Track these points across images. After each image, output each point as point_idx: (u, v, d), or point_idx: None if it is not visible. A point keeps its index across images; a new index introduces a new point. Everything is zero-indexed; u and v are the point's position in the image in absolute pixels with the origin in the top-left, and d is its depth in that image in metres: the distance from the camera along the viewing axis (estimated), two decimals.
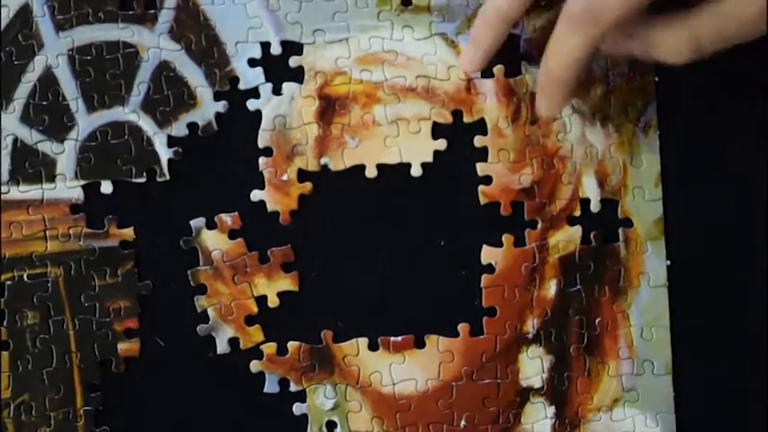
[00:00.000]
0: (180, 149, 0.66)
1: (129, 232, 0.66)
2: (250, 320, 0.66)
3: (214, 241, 0.66)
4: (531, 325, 0.66)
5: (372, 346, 0.66)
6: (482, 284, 0.66)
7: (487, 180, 0.66)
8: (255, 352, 0.66)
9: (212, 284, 0.66)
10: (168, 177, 0.66)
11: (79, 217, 0.66)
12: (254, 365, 0.65)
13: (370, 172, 0.66)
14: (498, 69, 0.67)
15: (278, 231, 0.66)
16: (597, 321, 0.66)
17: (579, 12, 0.59)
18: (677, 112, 0.67)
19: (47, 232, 0.65)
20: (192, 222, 0.66)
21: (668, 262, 0.66)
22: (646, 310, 0.66)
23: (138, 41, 0.67)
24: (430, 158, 0.66)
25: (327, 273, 0.66)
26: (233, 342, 0.66)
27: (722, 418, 0.65)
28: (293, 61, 0.67)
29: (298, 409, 0.65)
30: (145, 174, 0.66)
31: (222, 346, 0.65)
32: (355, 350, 0.66)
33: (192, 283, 0.66)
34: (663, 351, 0.66)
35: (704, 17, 0.60)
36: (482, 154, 0.66)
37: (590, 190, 0.67)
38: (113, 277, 0.65)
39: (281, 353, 0.66)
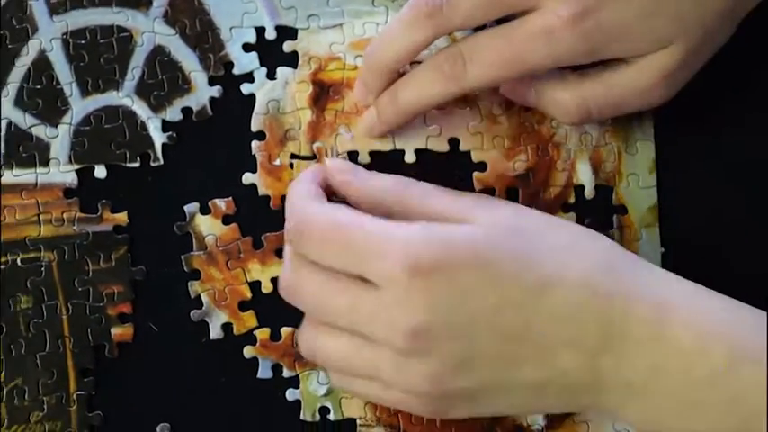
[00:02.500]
0: (174, 134, 0.66)
1: (122, 217, 0.66)
2: (244, 306, 0.66)
3: (208, 226, 0.66)
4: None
5: None
6: None
7: (482, 167, 0.66)
8: (249, 337, 0.66)
9: (206, 270, 0.66)
10: (162, 162, 0.66)
11: (73, 201, 0.66)
12: (248, 351, 0.65)
13: (363, 159, 0.66)
14: None
15: (272, 217, 0.66)
16: None
17: (432, 6, 0.60)
18: (672, 98, 0.66)
19: (40, 216, 0.65)
20: (186, 207, 0.66)
21: (662, 249, 0.66)
22: None
23: (133, 26, 0.67)
24: (423, 145, 0.66)
25: None
26: (226, 327, 0.66)
27: None
28: (287, 46, 0.67)
29: (291, 394, 0.65)
30: (139, 158, 0.66)
31: (215, 332, 0.65)
32: None
33: (185, 269, 0.66)
34: None
35: (596, 84, 0.61)
36: (477, 141, 0.66)
37: (584, 177, 0.66)
38: (107, 262, 0.65)
39: (275, 338, 0.66)
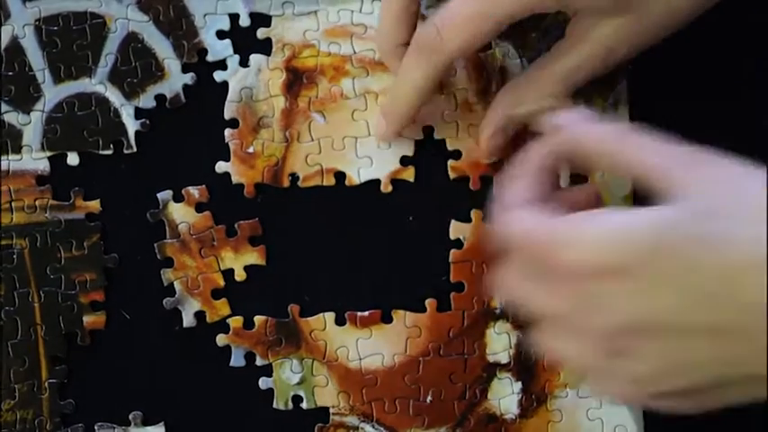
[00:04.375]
0: (147, 121, 0.66)
1: (95, 204, 0.66)
2: (216, 294, 0.65)
3: (181, 214, 0.66)
4: (498, 300, 0.66)
5: (339, 321, 0.65)
6: (450, 260, 0.66)
7: (456, 155, 0.66)
8: (222, 326, 0.65)
9: (179, 258, 0.65)
10: (135, 149, 0.66)
11: (45, 189, 0.65)
12: (221, 339, 0.65)
13: (338, 146, 0.66)
14: None
15: (245, 205, 0.66)
16: None
17: (426, 40, 0.59)
18: (648, 86, 0.66)
19: (12, 204, 0.65)
20: (159, 195, 0.66)
21: None
22: None
23: (106, 12, 0.66)
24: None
25: (294, 247, 0.66)
26: (199, 315, 0.65)
27: None
28: (261, 33, 0.66)
29: (264, 383, 0.65)
30: (112, 146, 0.66)
31: (188, 320, 0.65)
32: (322, 325, 0.65)
33: (158, 256, 0.65)
34: None
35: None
36: (451, 130, 0.66)
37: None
38: (79, 250, 0.65)
39: (248, 327, 0.65)
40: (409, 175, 0.66)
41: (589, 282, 0.52)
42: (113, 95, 0.66)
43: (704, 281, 0.50)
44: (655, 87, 0.66)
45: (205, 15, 0.66)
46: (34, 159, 0.65)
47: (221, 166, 0.66)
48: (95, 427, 0.65)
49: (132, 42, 0.66)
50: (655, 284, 0.51)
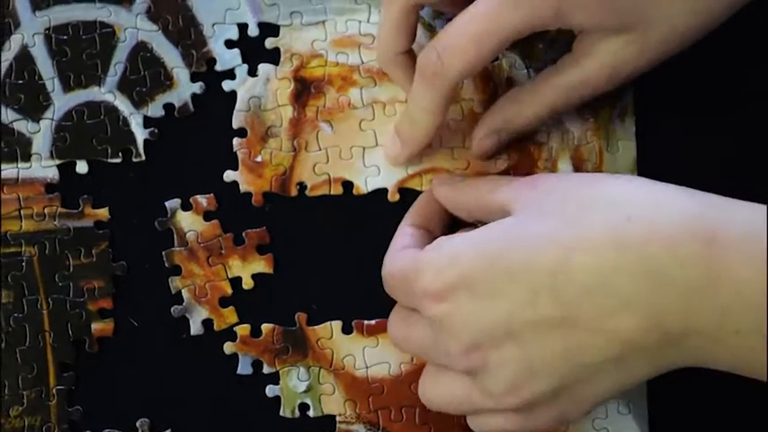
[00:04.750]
0: (156, 130, 0.66)
1: (104, 212, 0.66)
2: (224, 302, 0.66)
3: (189, 222, 0.66)
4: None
5: (346, 329, 0.66)
6: None
7: (463, 164, 0.66)
8: (229, 333, 0.66)
9: (187, 266, 0.66)
10: (144, 158, 0.66)
11: (54, 197, 0.66)
12: (228, 347, 0.65)
13: (345, 155, 0.66)
14: None
15: (253, 213, 0.66)
16: None
17: (427, 65, 0.59)
18: (654, 98, 0.66)
19: (21, 211, 0.65)
20: (168, 203, 0.66)
21: None
22: None
23: (116, 21, 0.67)
24: None
25: (302, 256, 0.66)
26: (207, 323, 0.66)
27: (695, 405, 0.65)
28: (269, 43, 0.67)
29: (271, 391, 0.65)
30: (120, 154, 0.66)
31: (196, 328, 0.66)
32: (329, 333, 0.66)
33: (166, 264, 0.66)
34: None
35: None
36: (458, 139, 0.66)
37: None
38: (88, 257, 0.65)
39: (255, 335, 0.66)
40: (416, 184, 0.66)
41: (438, 306, 0.56)
42: (122, 104, 0.66)
43: (535, 278, 0.53)
44: (661, 98, 0.66)
45: (214, 25, 0.67)
46: (43, 167, 0.66)
47: (229, 175, 0.66)
48: None
49: (141, 51, 0.67)
50: (492, 293, 0.54)
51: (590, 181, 0.57)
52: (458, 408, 0.59)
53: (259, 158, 0.66)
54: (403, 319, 0.61)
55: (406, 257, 0.59)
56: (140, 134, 0.66)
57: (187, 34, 0.67)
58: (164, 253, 0.66)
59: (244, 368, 0.65)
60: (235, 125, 0.66)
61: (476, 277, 0.55)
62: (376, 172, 0.66)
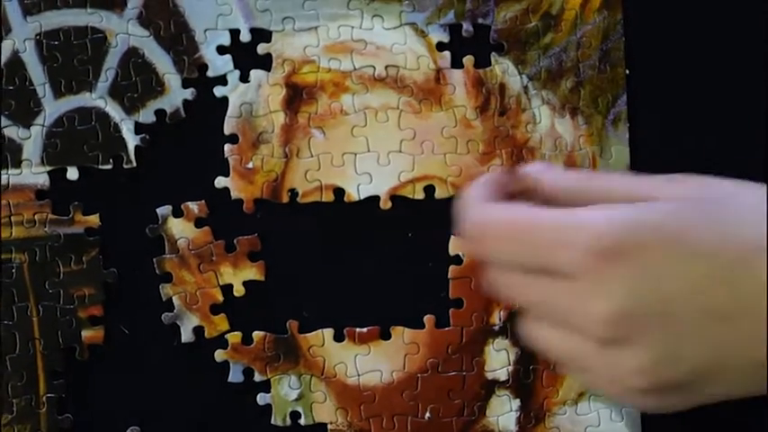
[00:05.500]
0: (147, 136, 0.66)
1: (94, 219, 0.66)
2: (215, 309, 0.65)
3: (180, 229, 0.66)
4: (497, 317, 0.66)
5: (338, 337, 0.65)
6: (449, 276, 0.65)
7: (456, 171, 0.66)
8: (220, 341, 0.65)
9: (178, 273, 0.65)
10: (135, 164, 0.66)
11: (45, 203, 0.65)
12: (219, 355, 0.65)
13: (337, 162, 0.66)
14: (468, 60, 0.66)
15: (245, 220, 0.66)
16: None
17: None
18: (647, 104, 0.66)
19: (12, 218, 0.65)
20: (159, 210, 0.66)
21: None
22: None
23: (107, 27, 0.66)
24: (397, 148, 0.66)
25: (293, 263, 0.66)
26: (198, 331, 0.65)
27: (686, 413, 0.65)
28: (261, 48, 0.66)
29: (262, 399, 0.65)
30: (111, 160, 0.66)
31: (187, 335, 0.65)
32: (320, 341, 0.65)
33: (157, 271, 0.65)
34: None
35: None
36: (451, 145, 0.66)
37: None
38: (78, 264, 0.65)
39: (246, 342, 0.65)
40: (408, 191, 0.66)
41: (599, 263, 0.51)
42: (113, 110, 0.66)
43: (710, 265, 0.50)
44: (654, 105, 0.66)
45: (206, 31, 0.66)
46: (34, 174, 0.65)
47: (221, 182, 0.66)
48: None
49: (133, 57, 0.66)
50: (667, 267, 0.51)
51: (734, 182, 0.55)
52: (566, 366, 0.55)
53: (250, 165, 0.66)
54: (515, 269, 0.54)
55: (543, 214, 0.53)
56: (131, 140, 0.66)
57: (179, 40, 0.66)
58: (155, 260, 0.65)
59: (235, 376, 0.65)
60: (226, 131, 0.66)
61: (652, 251, 0.51)
62: (368, 179, 0.66)
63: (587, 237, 0.51)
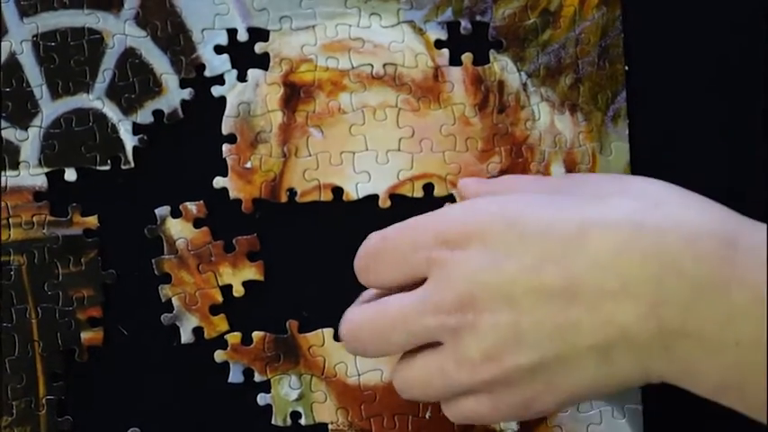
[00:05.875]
0: (145, 137, 0.66)
1: (93, 220, 0.65)
2: (215, 310, 0.65)
3: (179, 230, 0.65)
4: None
5: (338, 337, 0.65)
6: None
7: (455, 169, 0.66)
8: (220, 342, 0.65)
9: (177, 273, 0.65)
10: (133, 165, 0.66)
11: (43, 205, 0.65)
12: (219, 355, 0.65)
13: (335, 161, 0.66)
14: (466, 57, 0.66)
15: (243, 220, 0.65)
16: None
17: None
18: (647, 101, 0.66)
19: (10, 220, 0.65)
20: (157, 211, 0.65)
21: None
22: None
23: (104, 28, 0.66)
24: (396, 147, 0.66)
25: (292, 262, 0.65)
26: (197, 331, 0.65)
27: (689, 411, 0.64)
28: (258, 48, 0.66)
29: (262, 399, 0.65)
30: (109, 161, 0.66)
31: (186, 336, 0.65)
32: (321, 340, 0.65)
33: (156, 272, 0.65)
34: None
35: None
36: (449, 143, 0.66)
37: None
38: (77, 266, 0.65)
39: (246, 343, 0.65)
40: (407, 189, 0.66)
41: (447, 252, 0.54)
42: (111, 111, 0.66)
43: (543, 243, 0.52)
44: (654, 101, 0.66)
45: (203, 30, 0.66)
46: (32, 175, 0.65)
47: (219, 182, 0.66)
48: None
49: (130, 58, 0.66)
50: (503, 252, 0.53)
51: (621, 176, 0.59)
52: (430, 388, 0.57)
53: (249, 164, 0.66)
54: (370, 304, 0.58)
55: (405, 223, 0.58)
56: (129, 141, 0.66)
57: (176, 40, 0.66)
58: (153, 261, 0.65)
59: (235, 376, 0.65)
60: (224, 131, 0.66)
61: (493, 232, 0.53)
62: (366, 178, 0.66)
63: (436, 230, 0.55)
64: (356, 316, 0.58)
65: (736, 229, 0.51)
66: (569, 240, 0.52)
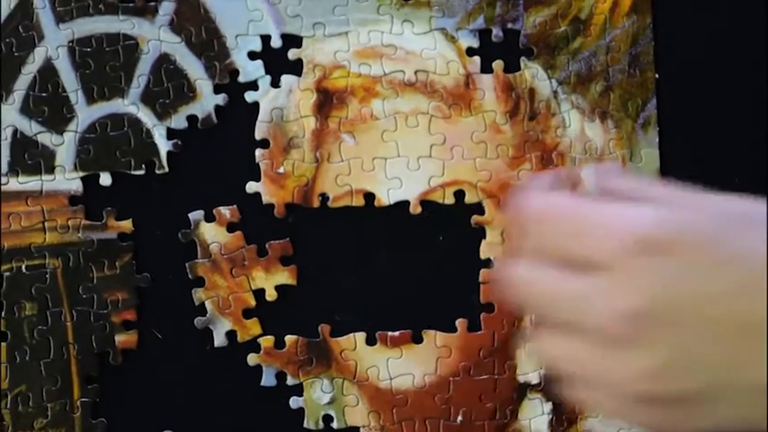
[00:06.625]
0: (179, 142, 0.66)
1: (127, 224, 0.66)
2: (248, 314, 0.66)
3: (212, 234, 0.66)
4: (529, 320, 0.66)
5: (370, 341, 0.66)
6: (480, 280, 0.66)
7: (486, 176, 0.66)
8: (253, 345, 0.66)
9: (210, 277, 0.66)
10: (167, 170, 0.66)
11: (78, 209, 0.66)
12: (252, 359, 0.65)
13: (367, 167, 0.66)
14: (497, 65, 0.67)
15: (276, 225, 0.66)
16: None
17: None
18: (677, 108, 0.66)
19: (45, 224, 0.65)
20: (191, 215, 0.66)
21: None
22: None
23: (139, 33, 0.67)
24: (427, 153, 0.66)
25: (325, 267, 0.66)
26: (230, 335, 0.66)
27: None
28: (292, 54, 0.67)
29: (294, 402, 0.65)
30: (144, 166, 0.66)
31: (220, 339, 0.66)
32: (353, 344, 0.66)
33: (189, 276, 0.66)
34: None
35: None
36: (481, 150, 0.66)
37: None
38: (111, 269, 0.66)
39: (279, 346, 0.66)
40: (438, 196, 0.66)
41: (628, 258, 0.49)
42: (146, 116, 0.66)
43: (740, 272, 0.49)
44: (684, 108, 0.66)
45: (237, 36, 0.67)
46: (67, 180, 0.66)
47: (252, 187, 0.66)
48: None
49: (164, 63, 0.67)
50: (700, 269, 0.49)
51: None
52: (577, 373, 0.52)
53: (281, 170, 0.66)
54: (542, 262, 0.51)
55: (577, 199, 0.51)
56: (163, 146, 0.66)
57: (210, 46, 0.67)
58: (187, 265, 0.66)
59: (267, 380, 0.65)
60: (257, 136, 0.66)
61: (699, 250, 0.49)
62: (398, 184, 0.66)
63: (633, 226, 0.49)
64: (519, 272, 0.52)
65: None
66: (760, 274, 0.48)
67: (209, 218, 0.66)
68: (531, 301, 0.52)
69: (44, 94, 0.66)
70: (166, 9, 0.67)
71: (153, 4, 0.67)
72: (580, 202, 0.51)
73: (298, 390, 0.65)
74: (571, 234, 0.50)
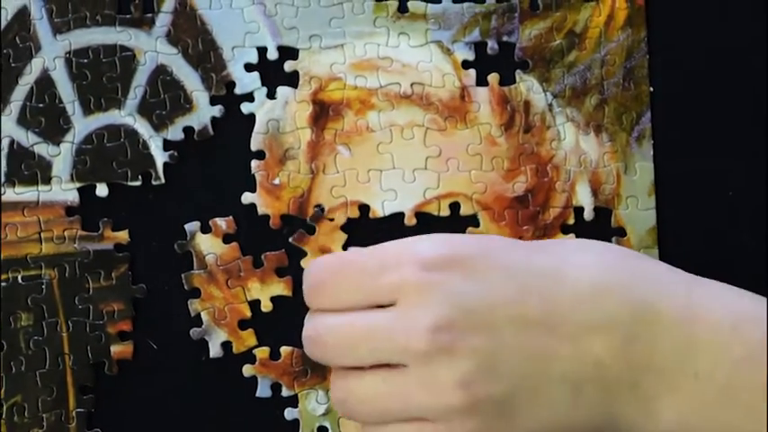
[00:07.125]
0: (175, 153, 0.67)
1: (123, 235, 0.66)
2: (243, 325, 0.66)
3: (208, 245, 0.66)
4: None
5: None
6: None
7: (481, 188, 0.66)
8: (248, 356, 0.66)
9: (206, 288, 0.66)
10: (163, 181, 0.67)
11: (74, 219, 0.66)
12: (247, 370, 0.66)
13: (363, 178, 0.66)
14: (493, 78, 0.67)
15: (272, 236, 0.66)
16: None
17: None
18: (672, 122, 0.67)
19: (42, 234, 0.66)
20: (187, 226, 0.66)
21: None
22: None
23: (136, 45, 0.67)
24: (422, 165, 0.66)
25: None
26: (226, 346, 0.66)
27: None
28: (288, 66, 0.67)
29: (289, 413, 0.66)
30: (140, 177, 0.67)
31: (215, 350, 0.66)
32: None
33: (185, 287, 0.66)
34: None
35: None
36: (476, 162, 0.67)
37: (583, 198, 0.67)
38: (107, 280, 0.66)
39: (274, 357, 0.66)
40: (433, 208, 0.66)
41: (425, 273, 0.54)
42: (142, 127, 0.67)
43: (531, 278, 0.54)
44: (679, 122, 0.67)
45: (233, 48, 0.67)
46: (63, 190, 0.66)
47: (248, 198, 0.66)
48: None
49: (161, 75, 0.67)
50: (485, 281, 0.54)
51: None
52: (378, 407, 0.56)
53: (277, 181, 0.66)
54: (326, 317, 0.58)
55: (370, 249, 0.59)
56: (160, 157, 0.67)
57: (207, 58, 0.67)
58: (183, 275, 0.66)
59: (263, 391, 0.66)
60: (253, 148, 0.67)
61: (474, 260, 0.55)
62: (393, 196, 0.66)
63: (415, 253, 0.55)
64: (324, 321, 0.58)
65: (695, 278, 0.57)
66: (550, 274, 0.54)
67: (206, 229, 0.66)
68: (340, 345, 0.57)
69: (41, 105, 0.66)
70: (163, 21, 0.67)
71: (150, 15, 0.67)
72: (359, 250, 0.59)
73: (293, 401, 0.66)
74: (366, 275, 0.57)
